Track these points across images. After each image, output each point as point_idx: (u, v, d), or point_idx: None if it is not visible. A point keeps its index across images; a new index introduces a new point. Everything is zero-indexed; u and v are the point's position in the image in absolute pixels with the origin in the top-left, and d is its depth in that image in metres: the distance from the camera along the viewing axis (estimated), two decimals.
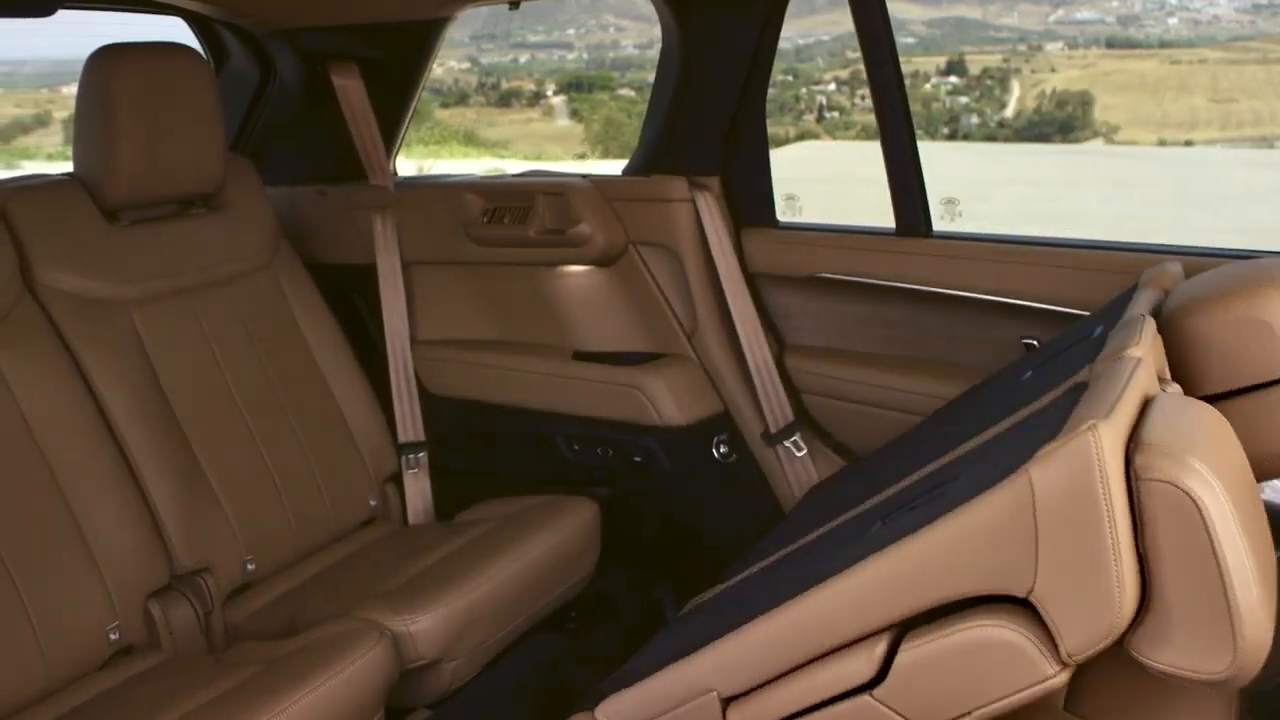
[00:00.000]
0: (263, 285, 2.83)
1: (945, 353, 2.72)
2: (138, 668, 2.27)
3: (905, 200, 2.67)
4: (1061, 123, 12.82)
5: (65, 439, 2.31)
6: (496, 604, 2.42)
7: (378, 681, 2.15)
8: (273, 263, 2.86)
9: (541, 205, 2.95)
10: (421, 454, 3.02)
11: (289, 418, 2.75)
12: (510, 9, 2.98)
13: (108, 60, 2.49)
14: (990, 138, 12.99)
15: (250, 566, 2.56)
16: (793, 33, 13.00)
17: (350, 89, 2.99)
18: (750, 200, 2.88)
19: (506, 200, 3.00)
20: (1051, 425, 1.42)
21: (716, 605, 1.97)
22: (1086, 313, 2.49)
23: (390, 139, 3.18)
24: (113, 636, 2.28)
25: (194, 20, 3.02)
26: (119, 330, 2.51)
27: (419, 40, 3.06)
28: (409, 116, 3.23)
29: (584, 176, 2.98)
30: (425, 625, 2.27)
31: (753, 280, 2.90)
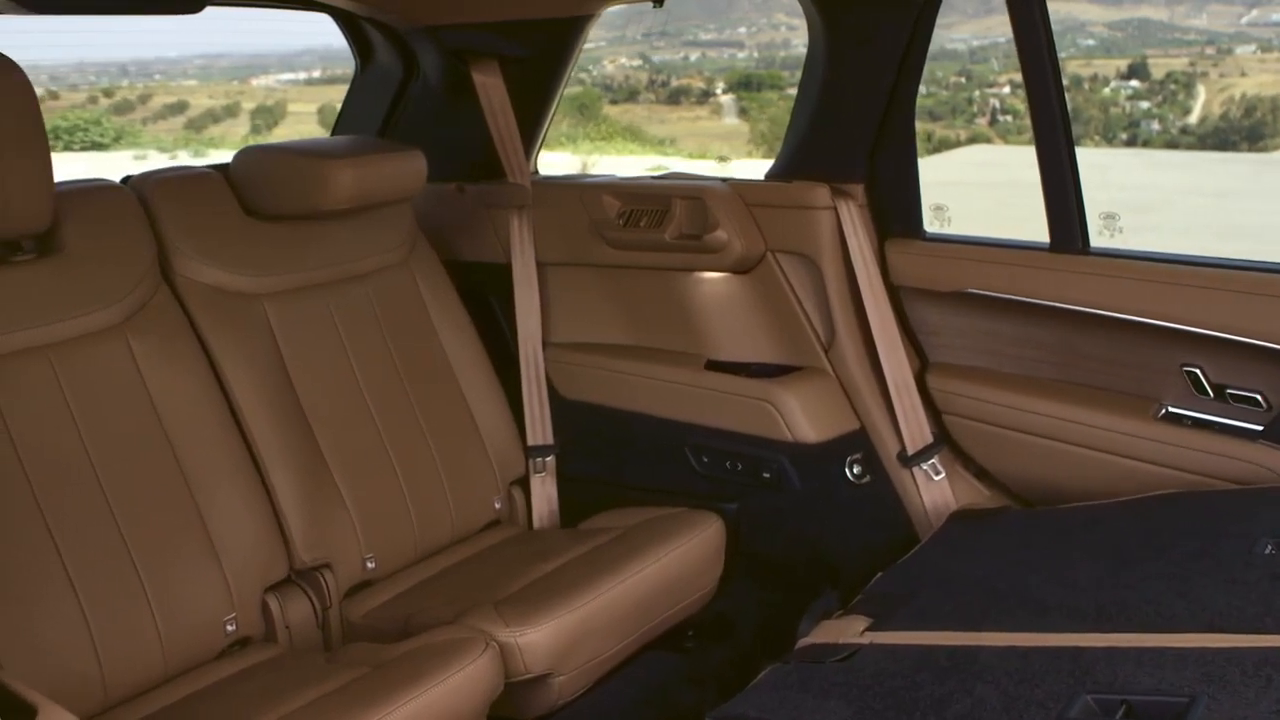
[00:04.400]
0: (399, 281, 2.82)
1: (1099, 378, 2.57)
2: (250, 661, 2.28)
3: (1061, 214, 2.52)
4: (1249, 130, 12.15)
5: (194, 429, 2.34)
6: (610, 619, 2.36)
7: (480, 693, 2.11)
8: (410, 259, 2.85)
9: (678, 209, 2.87)
10: (549, 458, 2.99)
11: (417, 415, 2.74)
12: (655, 6, 2.91)
13: None
14: (1171, 145, 12.39)
15: (370, 565, 2.55)
16: (968, 33, 12.65)
17: (491, 86, 2.96)
18: (896, 209, 2.76)
19: (643, 203, 2.93)
20: None
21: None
22: (1261, 343, 2.30)
23: (531, 137, 3.15)
24: (229, 628, 2.29)
25: (340, 17, 3.04)
26: (252, 323, 2.53)
27: (561, 38, 3.02)
28: (550, 115, 3.19)
29: (723, 180, 2.90)
30: (535, 638, 2.21)
31: (895, 293, 2.77)
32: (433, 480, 2.72)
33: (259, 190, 2.61)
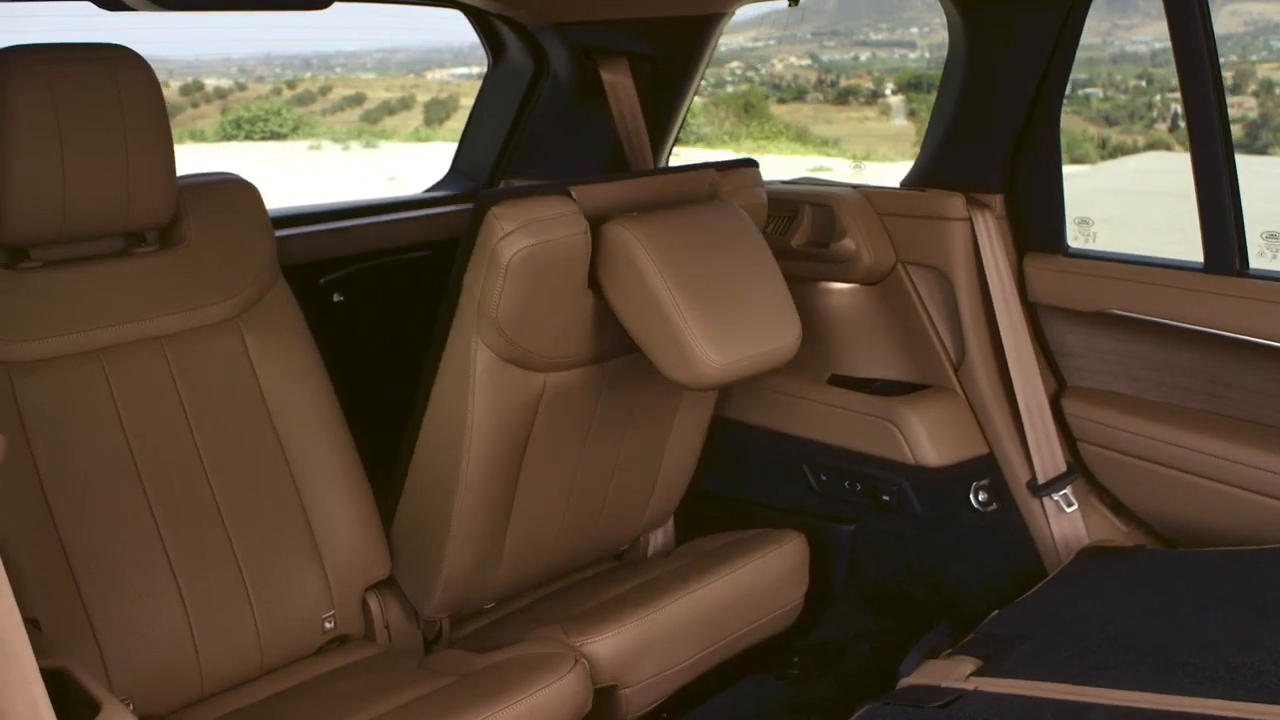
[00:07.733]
0: None
1: (1252, 411, 2.37)
2: (347, 659, 2.27)
3: (1217, 232, 2.33)
4: None
5: (302, 426, 2.29)
6: (677, 630, 2.30)
7: (567, 708, 2.06)
8: None
9: (807, 215, 2.77)
10: None
11: (612, 478, 2.51)
12: (791, 5, 2.81)
13: None
14: None
15: (489, 606, 2.52)
16: (1149, 35, 12.11)
17: (620, 85, 2.90)
18: (1036, 222, 2.60)
19: (771, 207, 2.83)
20: None
21: None
22: None
23: (661, 138, 3.08)
24: (328, 625, 2.28)
25: (472, 14, 3.02)
26: (526, 395, 2.22)
27: (692, 37, 2.94)
28: (681, 116, 3.11)
29: (854, 187, 2.78)
30: (597, 648, 2.18)
31: (1033, 311, 2.62)
32: (584, 533, 2.55)
33: (617, 288, 2.10)
